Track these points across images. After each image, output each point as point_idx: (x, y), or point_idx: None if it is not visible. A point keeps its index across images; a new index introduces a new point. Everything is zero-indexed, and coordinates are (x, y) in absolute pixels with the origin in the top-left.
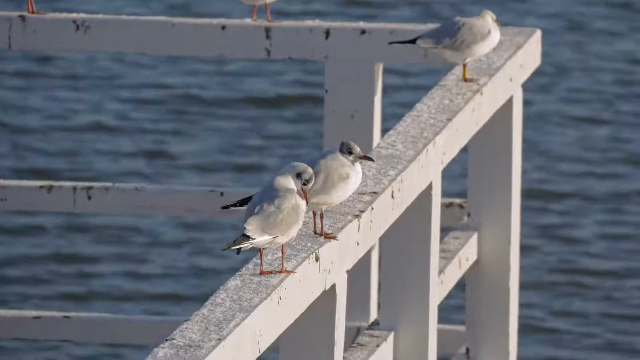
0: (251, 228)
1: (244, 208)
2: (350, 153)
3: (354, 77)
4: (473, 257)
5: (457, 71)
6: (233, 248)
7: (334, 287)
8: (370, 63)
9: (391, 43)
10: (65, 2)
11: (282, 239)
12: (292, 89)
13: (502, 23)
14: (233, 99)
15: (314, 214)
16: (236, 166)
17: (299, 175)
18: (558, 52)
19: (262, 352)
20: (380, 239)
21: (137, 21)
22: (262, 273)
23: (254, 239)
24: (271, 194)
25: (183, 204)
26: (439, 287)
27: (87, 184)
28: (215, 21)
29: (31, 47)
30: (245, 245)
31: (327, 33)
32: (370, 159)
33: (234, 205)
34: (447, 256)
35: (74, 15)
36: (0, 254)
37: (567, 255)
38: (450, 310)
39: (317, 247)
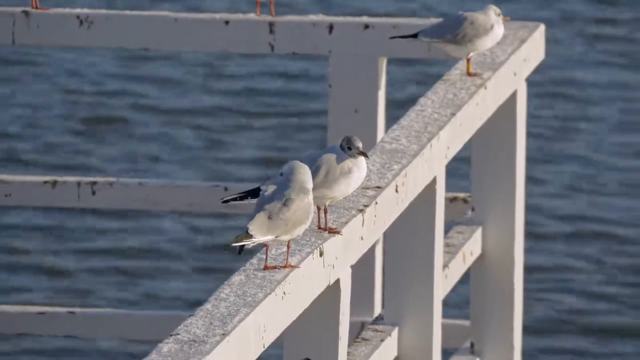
0: (254, 227)
1: (245, 202)
2: (349, 148)
3: (357, 72)
4: (477, 251)
5: (461, 65)
6: (234, 245)
7: (337, 281)
8: (373, 57)
9: (392, 37)
10: None
11: (286, 237)
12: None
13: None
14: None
15: (318, 209)
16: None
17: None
18: None
19: (266, 347)
20: (384, 233)
21: (140, 16)
22: (266, 268)
23: (256, 238)
24: (283, 190)
25: (186, 199)
26: (443, 282)
27: (91, 179)
28: (218, 16)
29: (34, 42)
30: (247, 243)
31: (331, 27)
32: (365, 155)
33: (234, 199)
34: (451, 250)
35: (78, 10)
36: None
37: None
38: (455, 304)
39: (321, 241)
